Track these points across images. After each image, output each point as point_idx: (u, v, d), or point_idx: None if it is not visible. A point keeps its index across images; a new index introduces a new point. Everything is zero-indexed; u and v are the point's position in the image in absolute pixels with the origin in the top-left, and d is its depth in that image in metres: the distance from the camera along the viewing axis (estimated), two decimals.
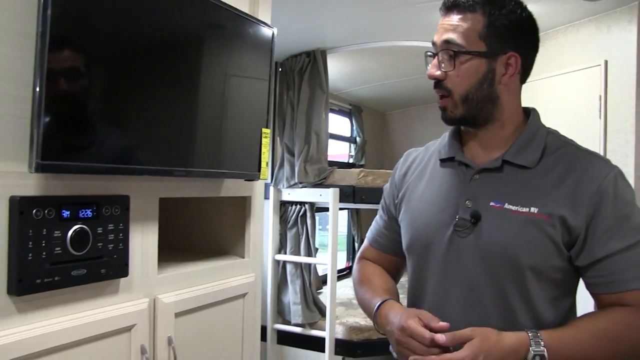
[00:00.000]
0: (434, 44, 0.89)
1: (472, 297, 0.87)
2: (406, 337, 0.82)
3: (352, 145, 4.11)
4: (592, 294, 0.85)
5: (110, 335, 1.00)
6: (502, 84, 0.87)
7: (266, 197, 2.39)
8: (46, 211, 0.88)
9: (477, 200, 0.88)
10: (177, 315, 1.16)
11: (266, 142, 1.41)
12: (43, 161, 0.82)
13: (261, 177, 1.37)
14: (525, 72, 0.90)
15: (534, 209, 0.83)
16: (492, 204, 0.87)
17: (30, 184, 0.87)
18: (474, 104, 0.88)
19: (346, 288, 3.22)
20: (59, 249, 0.90)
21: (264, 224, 1.55)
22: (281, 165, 2.45)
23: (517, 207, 0.84)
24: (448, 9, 0.88)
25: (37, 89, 0.80)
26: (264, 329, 2.37)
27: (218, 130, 1.23)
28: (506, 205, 0.85)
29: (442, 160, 0.97)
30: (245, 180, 1.40)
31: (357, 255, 1.16)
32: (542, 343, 0.77)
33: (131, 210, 1.05)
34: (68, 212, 0.92)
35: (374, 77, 3.50)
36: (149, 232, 1.11)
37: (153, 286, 1.12)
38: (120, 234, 1.02)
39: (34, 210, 0.86)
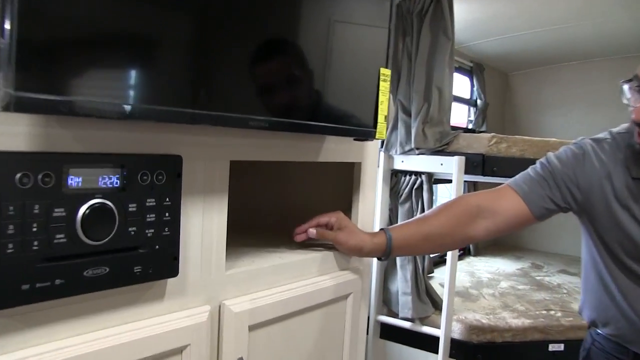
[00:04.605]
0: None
1: None
2: None
3: (471, 108, 3.54)
4: None
5: None
6: None
7: None
8: (39, 177, 0.55)
9: None
10: (252, 328, 0.81)
11: (385, 87, 0.99)
12: (19, 93, 0.48)
13: (377, 135, 0.97)
14: None
15: None
16: None
17: (12, 134, 0.54)
18: None
19: (461, 273, 2.75)
20: (61, 236, 0.57)
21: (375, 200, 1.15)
22: (394, 127, 2.01)
23: None
24: None
25: None
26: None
27: (319, 70, 0.83)
28: None
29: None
30: (355, 139, 0.99)
31: None
32: None
33: (185, 178, 0.71)
34: (78, 179, 0.59)
35: (505, 27, 2.89)
36: (213, 211, 0.76)
37: (218, 288, 0.78)
38: (167, 213, 0.68)
39: (18, 176, 0.53)
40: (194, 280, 0.74)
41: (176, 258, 0.69)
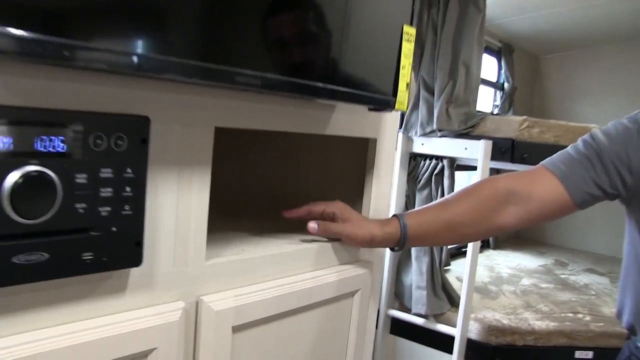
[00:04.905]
0: None
1: None
2: None
3: (497, 92, 3.34)
4: None
5: None
6: None
7: None
8: None
9: None
10: (237, 329, 0.68)
11: (409, 49, 0.84)
12: None
13: (397, 106, 0.81)
14: None
15: None
16: None
17: None
18: None
19: (479, 267, 2.60)
20: None
21: (392, 185, 1.00)
22: (415, 106, 1.85)
23: None
24: None
25: None
26: None
27: (330, 24, 0.69)
28: None
29: None
30: (370, 109, 0.84)
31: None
32: None
33: (154, 145, 0.57)
34: (7, 140, 0.45)
35: (539, 2, 2.69)
36: (192, 188, 0.63)
37: (195, 281, 0.64)
38: (128, 188, 0.54)
39: None
40: (165, 271, 0.61)
41: (139, 243, 0.56)
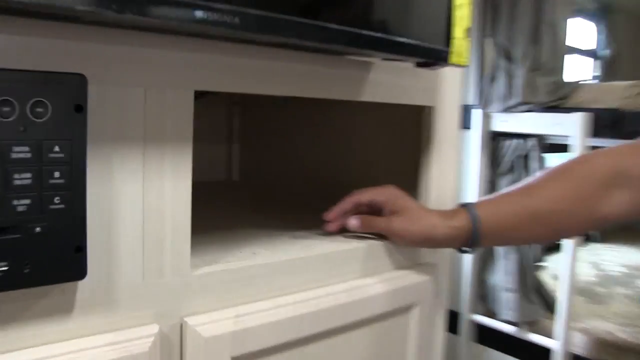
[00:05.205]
0: None
1: None
2: None
3: (595, 61, 2.93)
4: None
5: None
6: None
7: (466, 126, 1.59)
8: None
9: None
10: None
11: None
12: None
13: (453, 59, 0.61)
14: None
15: None
16: None
17: None
18: None
19: (582, 263, 2.24)
20: None
21: (460, 166, 0.79)
22: (493, 78, 1.59)
23: None
24: None
25: None
26: (454, 317, 1.64)
27: None
28: None
29: None
30: (419, 64, 0.64)
31: None
32: None
33: (108, 116, 0.42)
34: None
35: None
36: (164, 172, 0.47)
37: (176, 297, 0.48)
38: (57, 172, 0.39)
39: None
40: (131, 284, 0.46)
41: (81, 248, 0.41)
